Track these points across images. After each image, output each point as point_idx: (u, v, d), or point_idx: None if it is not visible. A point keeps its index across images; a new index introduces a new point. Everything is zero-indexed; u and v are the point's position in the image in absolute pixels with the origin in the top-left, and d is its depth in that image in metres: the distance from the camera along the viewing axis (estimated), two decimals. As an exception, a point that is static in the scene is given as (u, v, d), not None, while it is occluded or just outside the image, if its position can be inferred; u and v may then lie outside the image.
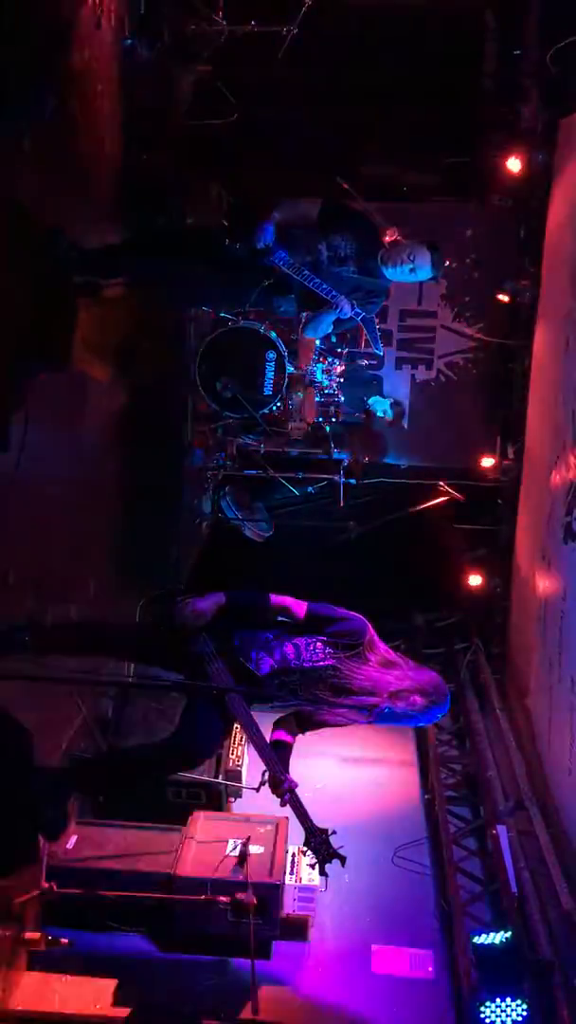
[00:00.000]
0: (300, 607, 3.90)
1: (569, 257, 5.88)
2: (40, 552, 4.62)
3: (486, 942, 4.45)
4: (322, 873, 3.66)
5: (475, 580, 7.66)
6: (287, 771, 3.74)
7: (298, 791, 3.72)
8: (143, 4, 5.63)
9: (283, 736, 3.85)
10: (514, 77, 6.80)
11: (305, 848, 3.65)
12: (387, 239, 4.64)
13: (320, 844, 3.61)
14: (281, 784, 3.66)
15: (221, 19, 6.19)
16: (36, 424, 4.43)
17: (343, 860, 3.61)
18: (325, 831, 3.64)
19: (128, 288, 4.97)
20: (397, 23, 6.75)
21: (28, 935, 4.27)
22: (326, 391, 7.46)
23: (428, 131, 7.02)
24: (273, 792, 3.71)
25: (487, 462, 7.61)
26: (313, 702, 3.79)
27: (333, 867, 3.66)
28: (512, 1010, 4.19)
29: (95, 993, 3.96)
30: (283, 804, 3.71)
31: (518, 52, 6.68)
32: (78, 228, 4.84)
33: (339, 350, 7.38)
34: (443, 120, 7.00)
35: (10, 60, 3.49)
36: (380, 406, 7.70)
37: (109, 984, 4.05)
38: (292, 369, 7.19)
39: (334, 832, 3.65)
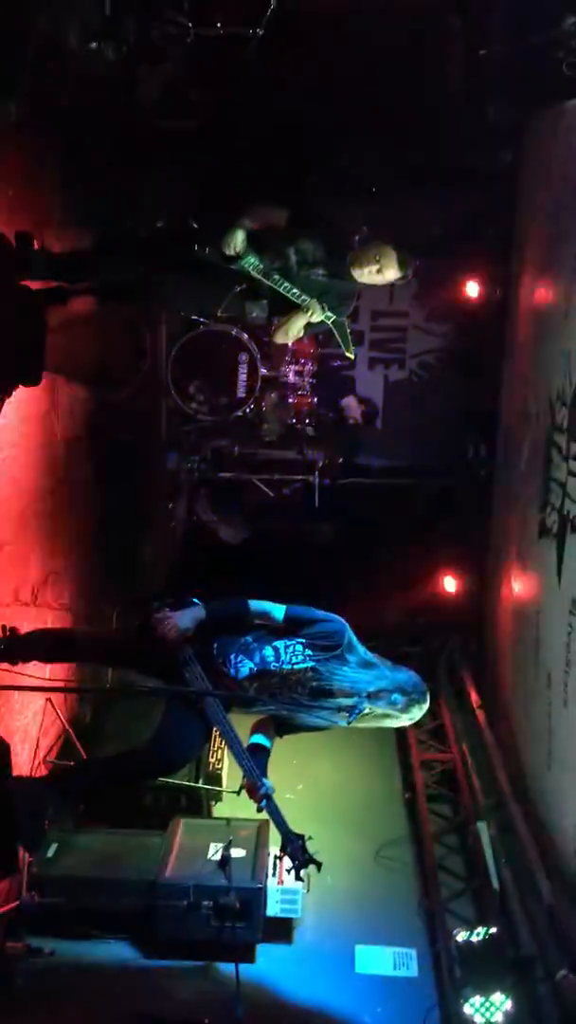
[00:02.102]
0: (279, 611, 3.91)
1: (541, 254, 5.92)
2: (15, 558, 4.60)
3: (469, 939, 4.46)
4: (298, 878, 3.68)
5: (451, 578, 7.69)
6: (265, 775, 3.73)
7: (279, 793, 3.72)
8: (108, 6, 5.60)
9: (260, 740, 3.84)
10: (479, 76, 6.82)
11: (282, 853, 3.65)
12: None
13: (296, 850, 3.61)
14: (258, 790, 3.66)
15: (186, 21, 6.16)
16: (7, 429, 4.41)
17: (319, 866, 3.62)
18: (301, 837, 3.65)
19: (98, 293, 4.96)
20: (361, 23, 6.74)
21: (11, 946, 4.25)
22: (299, 392, 7.47)
23: (395, 131, 7.03)
24: (250, 798, 3.71)
25: (461, 460, 7.64)
26: (293, 705, 3.79)
27: (315, 868, 3.67)
28: (496, 1006, 4.21)
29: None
30: (260, 810, 3.70)
31: (483, 51, 6.69)
32: (46, 233, 4.82)
33: (311, 351, 7.39)
34: (410, 119, 7.01)
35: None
36: (351, 411, 7.71)
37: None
38: (265, 371, 7.19)
39: (310, 838, 3.66)
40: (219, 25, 6.17)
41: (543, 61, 5.56)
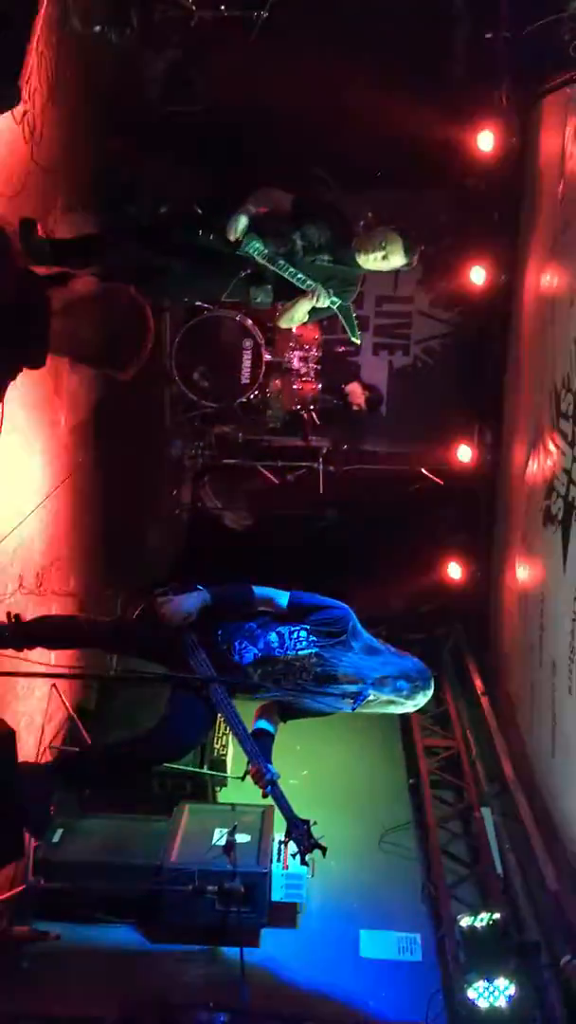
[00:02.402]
0: (283, 597, 3.90)
1: (547, 240, 5.89)
2: (19, 545, 4.60)
3: (473, 924, 4.48)
4: (303, 863, 3.68)
5: (455, 565, 7.68)
6: (269, 761, 3.74)
7: (283, 778, 3.72)
8: (112, -10, 5.58)
9: (264, 726, 3.85)
10: (485, 59, 6.78)
11: (287, 839, 3.66)
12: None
13: (301, 835, 3.61)
14: (263, 776, 3.66)
15: (190, 4, 6.13)
16: (12, 417, 4.41)
17: (324, 851, 3.62)
18: (306, 822, 3.65)
19: (101, 279, 4.94)
20: (365, 6, 6.70)
21: (17, 930, 4.27)
22: (304, 378, 7.45)
23: (400, 116, 6.98)
24: (255, 783, 3.71)
25: (466, 447, 7.62)
26: (297, 691, 3.79)
27: (319, 853, 3.68)
28: (500, 990, 4.23)
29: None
30: (265, 795, 3.71)
31: (489, 35, 6.65)
32: (50, 218, 4.80)
33: (315, 337, 7.37)
34: (416, 104, 6.97)
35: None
36: (354, 397, 7.69)
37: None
38: (269, 357, 7.17)
39: (315, 823, 3.66)
40: (223, 8, 6.14)
41: (550, 44, 5.52)
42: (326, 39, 6.72)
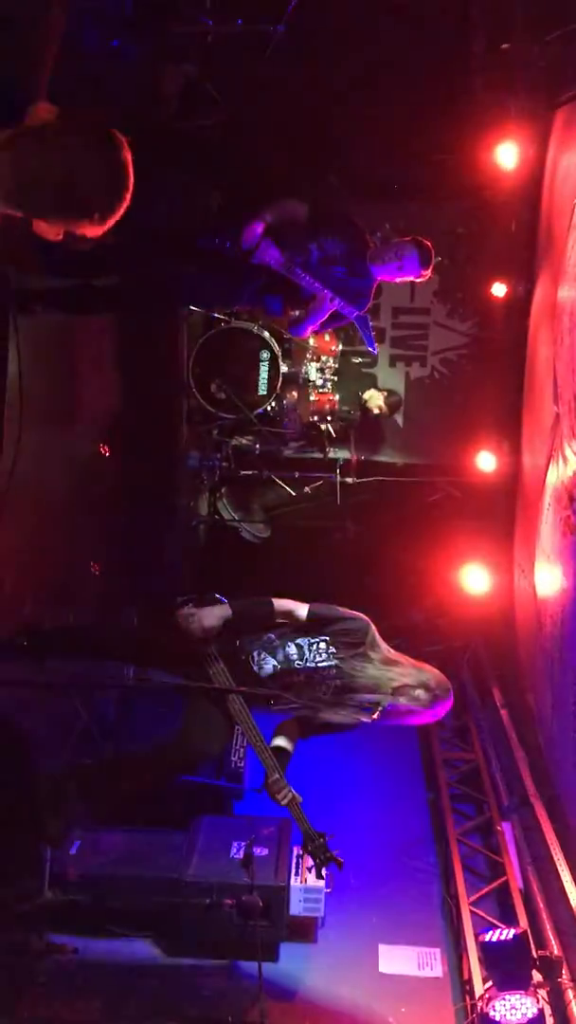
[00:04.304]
0: (302, 609, 3.88)
1: (565, 246, 5.86)
2: (37, 557, 4.61)
3: (493, 939, 4.41)
4: (319, 876, 3.67)
5: (474, 576, 7.63)
6: (285, 775, 3.72)
7: (300, 791, 3.70)
8: (129, 4, 5.61)
9: (284, 742, 3.82)
10: (503, 71, 6.79)
11: (304, 852, 3.65)
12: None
13: (317, 848, 3.60)
14: (280, 790, 3.64)
15: (207, 19, 6.16)
16: (30, 429, 4.41)
17: (340, 864, 3.61)
18: (323, 835, 3.63)
19: (119, 288, 4.96)
20: (382, 19, 6.73)
21: (34, 943, 4.25)
22: (321, 389, 7.45)
23: (417, 127, 7.00)
24: (272, 796, 3.69)
25: (484, 458, 7.58)
26: (316, 703, 3.77)
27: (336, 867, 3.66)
28: (521, 1006, 4.16)
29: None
30: (282, 807, 3.69)
31: (506, 46, 6.66)
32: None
33: (332, 349, 7.37)
34: (432, 116, 6.98)
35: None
36: (374, 401, 7.68)
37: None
38: (286, 368, 7.18)
39: (332, 836, 3.64)
40: (239, 22, 6.16)
41: (567, 54, 5.53)
42: (343, 52, 6.75)
